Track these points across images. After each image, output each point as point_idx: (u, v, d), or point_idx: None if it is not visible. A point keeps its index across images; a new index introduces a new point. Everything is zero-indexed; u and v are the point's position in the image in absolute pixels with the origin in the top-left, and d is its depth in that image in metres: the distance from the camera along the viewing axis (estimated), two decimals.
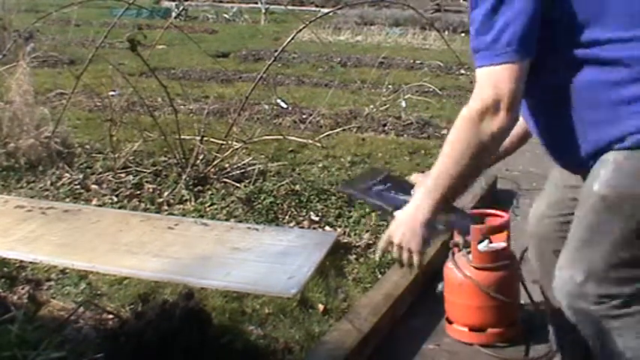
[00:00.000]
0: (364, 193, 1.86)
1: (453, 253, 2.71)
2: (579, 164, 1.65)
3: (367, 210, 3.50)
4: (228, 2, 17.45)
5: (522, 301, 2.77)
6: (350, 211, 3.59)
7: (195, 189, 3.78)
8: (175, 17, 12.36)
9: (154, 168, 4.03)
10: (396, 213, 1.69)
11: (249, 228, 3.39)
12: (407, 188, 1.85)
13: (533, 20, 1.46)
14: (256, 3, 15.78)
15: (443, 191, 1.59)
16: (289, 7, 13.59)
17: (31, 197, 3.73)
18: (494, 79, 1.46)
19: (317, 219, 3.53)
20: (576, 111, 1.56)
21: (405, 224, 1.64)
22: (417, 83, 6.31)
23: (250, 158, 4.14)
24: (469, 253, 2.67)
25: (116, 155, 4.07)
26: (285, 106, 6.10)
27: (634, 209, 1.56)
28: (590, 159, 1.61)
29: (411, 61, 9.22)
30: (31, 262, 2.92)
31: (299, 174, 4.10)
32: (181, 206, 3.66)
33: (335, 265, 3.04)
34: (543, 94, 1.59)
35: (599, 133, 1.56)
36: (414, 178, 1.91)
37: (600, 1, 1.50)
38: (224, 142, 4.04)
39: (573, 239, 1.66)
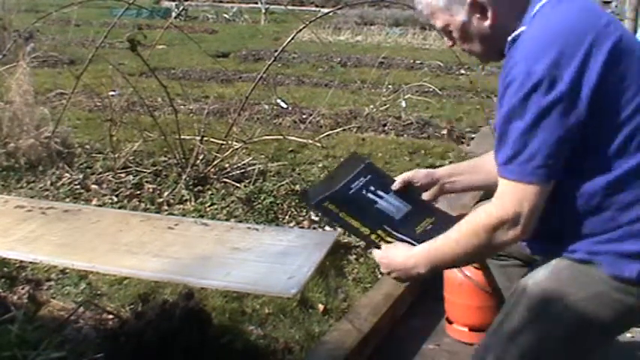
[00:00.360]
0: (340, 202, 1.73)
1: None
2: (536, 252, 1.70)
3: None
4: (228, 2, 17.48)
5: None
6: None
7: (195, 189, 3.78)
8: (175, 17, 12.38)
9: (154, 168, 4.03)
10: (393, 255, 1.68)
11: (249, 228, 3.39)
12: (388, 183, 1.81)
13: (565, 147, 1.46)
14: (256, 3, 15.81)
15: (442, 265, 1.69)
16: (289, 7, 13.60)
17: (31, 197, 3.73)
18: (519, 196, 1.48)
19: (317, 219, 3.53)
20: (553, 218, 1.58)
21: (400, 272, 1.70)
22: (417, 83, 6.31)
23: (250, 158, 4.14)
24: None
25: (116, 155, 4.07)
26: (285, 106, 6.10)
27: (555, 316, 1.56)
28: (545, 255, 1.63)
29: (411, 61, 9.23)
30: (31, 262, 2.91)
31: (299, 174, 4.10)
32: (181, 206, 3.66)
33: (335, 265, 3.04)
34: None
35: (559, 244, 1.59)
36: (412, 174, 1.89)
37: (598, 141, 1.50)
38: (224, 142, 4.04)
39: (495, 325, 1.68)
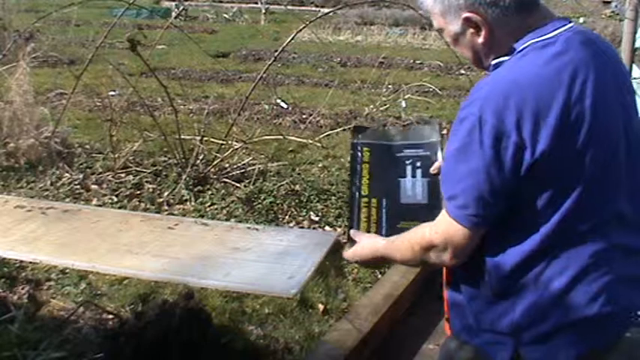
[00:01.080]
0: (378, 155, 1.73)
1: None
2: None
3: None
4: (228, 2, 17.47)
5: None
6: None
7: (195, 189, 3.78)
8: (175, 17, 12.38)
9: (154, 168, 4.03)
10: (360, 252, 1.70)
11: (249, 228, 3.39)
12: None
13: (501, 199, 1.44)
14: (256, 3, 15.81)
15: (396, 261, 1.72)
16: (289, 7, 13.60)
17: (31, 197, 3.73)
18: (450, 232, 1.50)
19: (317, 219, 3.53)
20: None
21: (360, 256, 1.75)
22: (417, 83, 6.31)
23: (250, 158, 4.14)
24: None
25: (116, 155, 4.07)
26: (285, 106, 6.10)
27: None
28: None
29: (411, 61, 9.23)
30: (31, 262, 2.92)
31: (299, 174, 4.10)
32: (181, 206, 3.67)
33: (335, 265, 3.04)
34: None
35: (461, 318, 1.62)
36: None
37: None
38: (224, 142, 4.04)
39: None
